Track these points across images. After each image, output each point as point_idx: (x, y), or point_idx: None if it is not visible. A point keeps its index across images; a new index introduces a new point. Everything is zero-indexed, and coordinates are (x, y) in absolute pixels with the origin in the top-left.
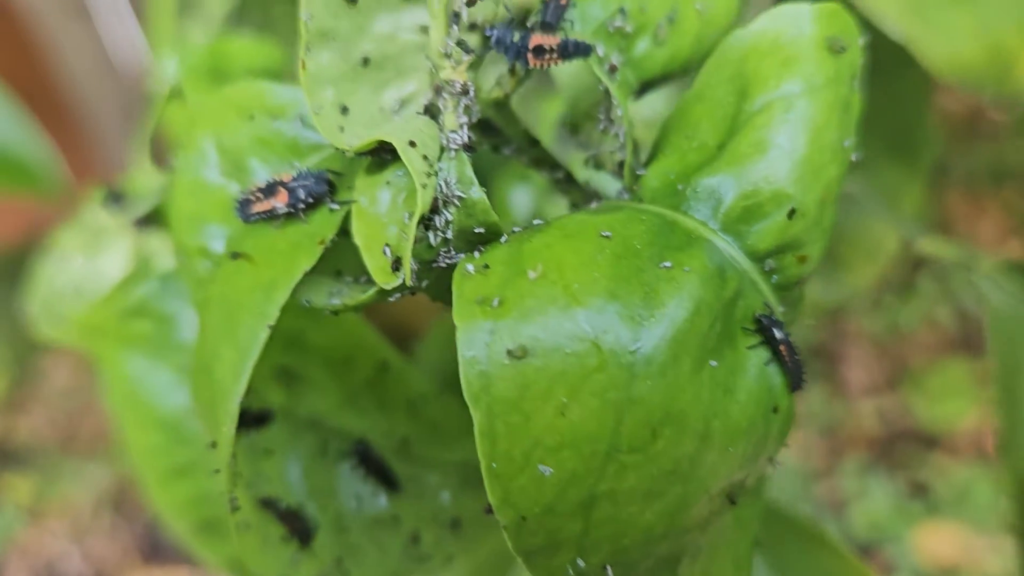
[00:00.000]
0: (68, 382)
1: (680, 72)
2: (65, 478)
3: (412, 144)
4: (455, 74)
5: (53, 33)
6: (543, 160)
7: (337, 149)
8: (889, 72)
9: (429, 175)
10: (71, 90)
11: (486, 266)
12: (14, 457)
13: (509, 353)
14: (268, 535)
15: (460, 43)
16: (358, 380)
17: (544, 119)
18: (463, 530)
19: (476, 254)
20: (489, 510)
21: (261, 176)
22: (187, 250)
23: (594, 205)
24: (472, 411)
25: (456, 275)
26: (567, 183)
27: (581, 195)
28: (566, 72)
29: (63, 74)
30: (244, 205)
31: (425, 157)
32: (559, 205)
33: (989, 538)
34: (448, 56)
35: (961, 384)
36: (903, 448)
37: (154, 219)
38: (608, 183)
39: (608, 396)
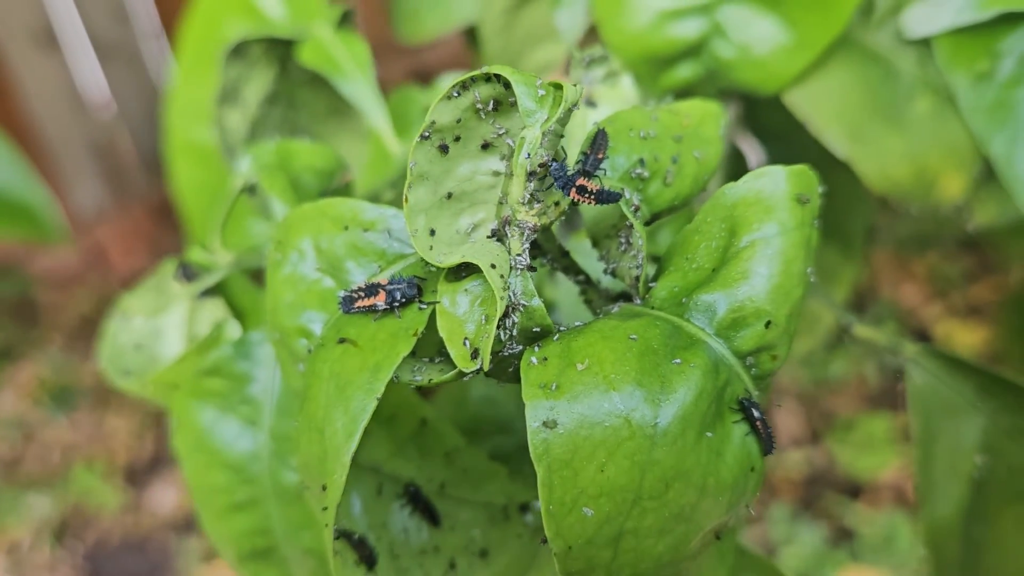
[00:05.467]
0: (13, 411)
1: (681, 207)
2: (5, 508)
3: (493, 266)
4: (528, 217)
5: (19, 65)
6: (570, 267)
7: (426, 262)
8: (830, 168)
9: (504, 289)
10: (36, 122)
11: (545, 359)
12: None
13: (564, 425)
14: (346, 560)
15: (534, 195)
16: (404, 434)
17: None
18: (490, 558)
19: (536, 348)
20: (544, 541)
21: (356, 276)
22: (286, 330)
23: (615, 308)
24: (536, 467)
25: (523, 365)
26: (587, 284)
27: (597, 294)
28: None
29: (29, 106)
30: (347, 300)
31: (502, 276)
32: (558, 286)
33: None
34: (524, 204)
35: (883, 437)
36: (829, 496)
37: (214, 291)
38: (622, 288)
39: (635, 458)
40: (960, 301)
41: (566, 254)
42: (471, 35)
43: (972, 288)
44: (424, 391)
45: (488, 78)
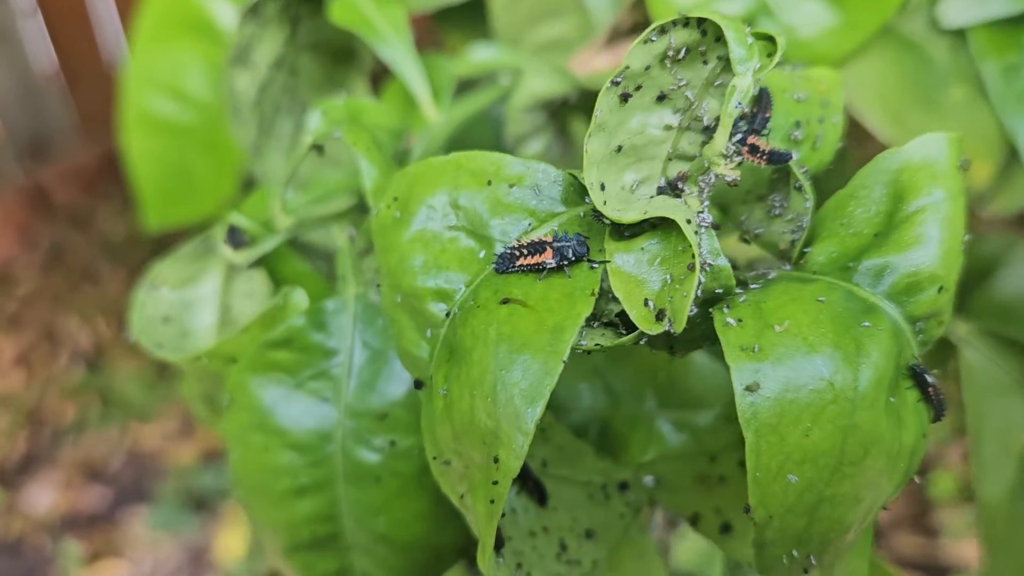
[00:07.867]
0: None
1: (819, 172)
2: None
3: (688, 222)
4: (727, 171)
5: None
6: None
7: (589, 216)
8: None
9: (699, 247)
10: None
11: (740, 320)
12: None
13: (769, 388)
14: None
15: (737, 146)
16: None
17: None
18: (597, 539)
19: (725, 309)
20: (747, 509)
21: (500, 235)
22: (416, 292)
23: (772, 274)
24: (744, 432)
25: (718, 326)
26: None
27: None
28: None
29: None
30: (507, 259)
31: (696, 232)
32: None
33: None
34: (726, 157)
35: None
36: None
37: (262, 260)
38: (760, 256)
39: (838, 422)
40: None
41: None
42: (440, 16)
43: None
44: None
45: (687, 23)
